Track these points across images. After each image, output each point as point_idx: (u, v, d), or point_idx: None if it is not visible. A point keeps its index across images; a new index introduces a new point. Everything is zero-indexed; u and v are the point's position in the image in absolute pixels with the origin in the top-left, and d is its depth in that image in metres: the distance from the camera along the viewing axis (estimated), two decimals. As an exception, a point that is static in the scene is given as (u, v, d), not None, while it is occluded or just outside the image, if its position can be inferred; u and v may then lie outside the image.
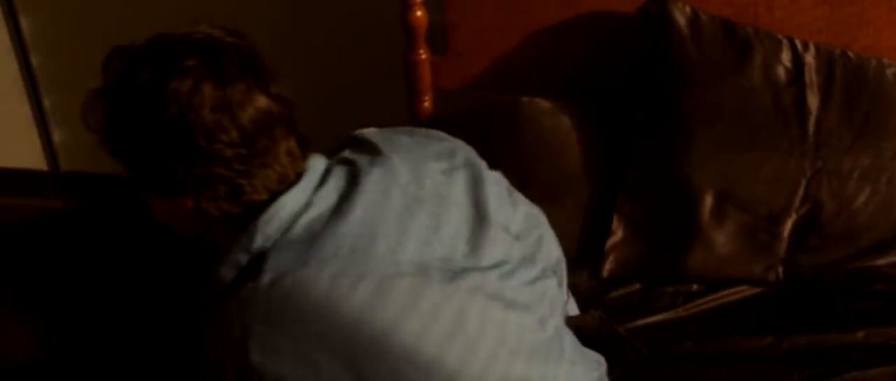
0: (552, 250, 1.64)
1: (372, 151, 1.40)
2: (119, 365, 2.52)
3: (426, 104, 2.13)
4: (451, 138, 1.52)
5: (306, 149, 1.35)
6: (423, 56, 2.10)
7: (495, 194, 1.44)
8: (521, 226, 1.51)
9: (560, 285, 1.67)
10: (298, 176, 1.30)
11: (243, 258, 1.27)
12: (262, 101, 1.25)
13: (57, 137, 2.98)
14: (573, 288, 1.90)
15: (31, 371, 2.54)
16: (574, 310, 1.77)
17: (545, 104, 2.04)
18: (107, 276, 2.80)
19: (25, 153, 3.03)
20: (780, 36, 1.96)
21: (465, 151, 1.48)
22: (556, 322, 1.45)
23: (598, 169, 2.02)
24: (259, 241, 1.26)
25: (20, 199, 3.08)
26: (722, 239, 1.94)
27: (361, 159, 1.37)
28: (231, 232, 1.30)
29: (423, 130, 1.53)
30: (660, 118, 1.96)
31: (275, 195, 1.28)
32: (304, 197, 1.28)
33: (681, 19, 1.94)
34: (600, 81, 2.09)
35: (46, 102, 2.91)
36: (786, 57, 1.95)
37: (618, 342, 1.66)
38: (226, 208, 1.28)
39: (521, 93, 2.06)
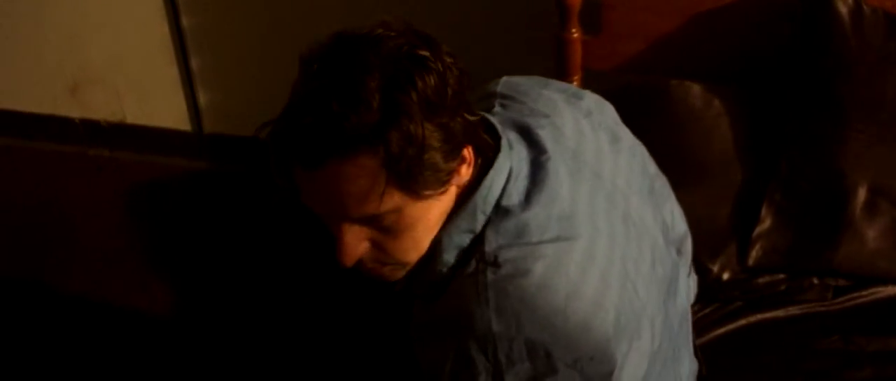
0: (679, 224, 1.63)
1: (526, 107, 1.40)
2: (252, 326, 2.58)
3: (575, 84, 2.13)
4: (582, 91, 1.51)
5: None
6: (576, 35, 2.09)
7: (630, 154, 1.47)
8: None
9: (685, 261, 1.68)
10: (495, 143, 1.29)
11: (466, 239, 1.26)
12: None
13: (202, 98, 3.04)
14: (717, 273, 1.89)
15: (167, 327, 2.62)
16: (692, 291, 1.76)
17: (695, 87, 2.02)
18: (245, 238, 2.86)
19: (171, 113, 3.10)
20: (944, 30, 1.90)
21: (600, 113, 1.48)
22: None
23: (747, 155, 1.99)
24: (480, 219, 1.25)
25: (164, 158, 3.17)
26: (873, 234, 1.90)
27: (527, 118, 1.37)
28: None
29: (555, 82, 1.51)
30: (816, 108, 1.92)
31: (482, 167, 1.26)
32: (507, 166, 1.27)
33: (843, 9, 1.90)
34: (753, 67, 2.06)
35: (194, 64, 2.97)
36: (950, 52, 1.89)
37: None
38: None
39: (672, 75, 2.05)
